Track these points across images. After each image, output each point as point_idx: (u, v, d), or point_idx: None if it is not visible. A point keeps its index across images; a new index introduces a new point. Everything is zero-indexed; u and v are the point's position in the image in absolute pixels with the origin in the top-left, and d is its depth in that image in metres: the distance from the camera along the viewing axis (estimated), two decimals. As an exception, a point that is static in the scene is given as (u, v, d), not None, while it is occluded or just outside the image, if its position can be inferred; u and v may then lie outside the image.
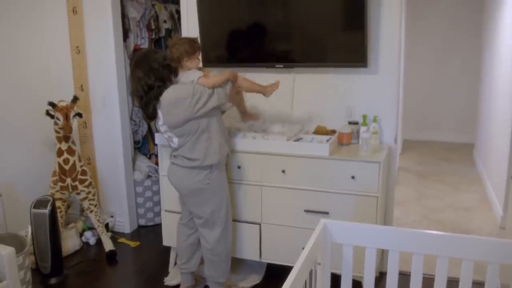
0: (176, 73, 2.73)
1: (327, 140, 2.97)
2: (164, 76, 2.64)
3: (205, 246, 2.90)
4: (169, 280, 3.24)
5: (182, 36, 3.47)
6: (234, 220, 3.10)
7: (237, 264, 3.34)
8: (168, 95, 2.61)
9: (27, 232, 3.23)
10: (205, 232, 2.87)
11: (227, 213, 2.88)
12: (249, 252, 3.15)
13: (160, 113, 2.66)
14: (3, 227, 3.27)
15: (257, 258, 3.14)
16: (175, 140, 2.72)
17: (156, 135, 3.27)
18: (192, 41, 2.77)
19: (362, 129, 3.10)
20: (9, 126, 3.65)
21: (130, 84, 2.76)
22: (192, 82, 2.67)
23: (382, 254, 3.24)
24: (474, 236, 1.90)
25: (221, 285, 2.98)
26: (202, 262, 3.02)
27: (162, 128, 2.74)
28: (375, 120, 3.13)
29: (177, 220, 3.08)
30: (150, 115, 2.70)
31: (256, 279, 3.23)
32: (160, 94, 2.61)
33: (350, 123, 3.16)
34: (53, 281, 3.28)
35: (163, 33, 4.39)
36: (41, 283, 3.27)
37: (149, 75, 2.59)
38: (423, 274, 2.02)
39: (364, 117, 3.14)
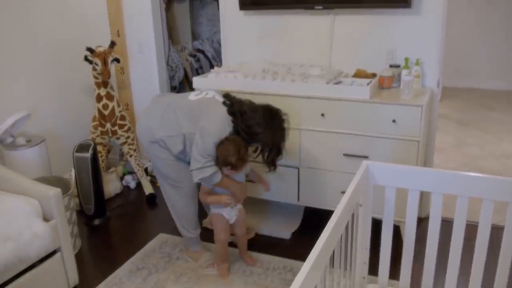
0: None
1: (368, 83, 2.89)
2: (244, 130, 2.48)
3: None
4: (207, 222, 3.31)
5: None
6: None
7: (275, 210, 3.38)
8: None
9: (71, 175, 3.33)
10: None
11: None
12: (287, 195, 3.17)
13: None
14: (48, 170, 3.37)
15: (295, 202, 3.17)
16: None
17: (194, 79, 3.25)
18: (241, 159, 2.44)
19: (404, 72, 3.00)
20: (49, 73, 3.69)
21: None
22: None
23: (422, 200, 3.22)
24: (522, 178, 1.84)
25: (190, 240, 2.95)
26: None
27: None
28: (417, 63, 3.03)
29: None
30: None
31: (295, 225, 3.27)
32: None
33: (391, 66, 3.06)
34: (96, 222, 3.41)
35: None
36: (85, 224, 3.40)
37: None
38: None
39: (406, 60, 3.04)
